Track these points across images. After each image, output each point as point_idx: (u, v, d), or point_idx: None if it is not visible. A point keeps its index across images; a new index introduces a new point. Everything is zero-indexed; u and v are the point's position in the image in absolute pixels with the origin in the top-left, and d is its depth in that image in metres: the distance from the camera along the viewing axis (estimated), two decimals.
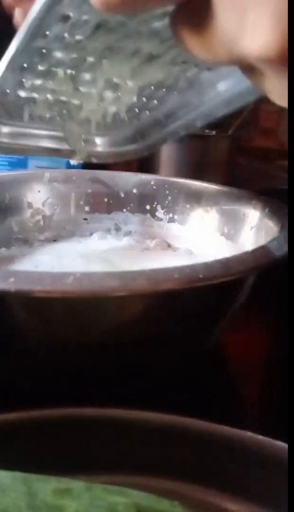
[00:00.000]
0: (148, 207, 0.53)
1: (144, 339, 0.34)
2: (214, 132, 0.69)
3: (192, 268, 0.32)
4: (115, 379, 0.35)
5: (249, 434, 0.26)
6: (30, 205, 0.53)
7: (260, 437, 0.25)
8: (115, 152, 0.45)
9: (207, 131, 0.69)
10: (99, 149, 0.45)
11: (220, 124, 0.67)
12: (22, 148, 0.43)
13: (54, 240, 0.52)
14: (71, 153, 0.44)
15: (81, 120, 0.41)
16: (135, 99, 0.40)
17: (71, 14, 0.29)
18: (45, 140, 0.43)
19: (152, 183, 0.53)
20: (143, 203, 0.54)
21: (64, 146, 0.43)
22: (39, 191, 0.53)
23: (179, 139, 0.65)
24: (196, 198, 0.51)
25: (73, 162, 0.45)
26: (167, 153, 0.69)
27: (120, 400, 0.26)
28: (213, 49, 0.21)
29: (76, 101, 0.39)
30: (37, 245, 0.51)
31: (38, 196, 0.53)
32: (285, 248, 0.35)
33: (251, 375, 0.42)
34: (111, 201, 0.54)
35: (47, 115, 0.40)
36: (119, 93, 0.38)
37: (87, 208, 0.54)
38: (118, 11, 0.21)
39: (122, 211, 0.54)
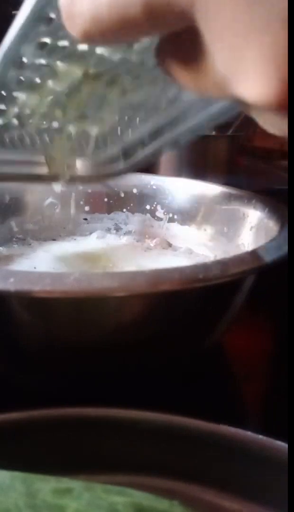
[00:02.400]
0: (148, 207, 0.53)
1: (144, 339, 0.34)
2: (214, 132, 0.69)
3: (192, 268, 0.32)
4: (115, 379, 0.35)
5: (249, 434, 0.26)
6: (30, 205, 0.53)
7: (260, 437, 0.25)
8: (98, 174, 0.44)
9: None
10: (82, 172, 0.44)
11: (220, 124, 0.68)
12: (2, 176, 0.42)
13: (54, 240, 0.52)
14: (53, 178, 0.43)
15: (62, 144, 0.40)
16: (116, 118, 0.38)
17: (47, 41, 0.28)
18: (27, 166, 0.42)
19: (152, 183, 0.54)
20: (143, 203, 0.54)
21: (44, 172, 0.42)
22: (39, 191, 0.53)
23: None
24: (196, 198, 0.51)
25: (55, 188, 0.44)
26: (167, 153, 0.69)
27: (120, 400, 0.26)
28: (204, 84, 0.20)
29: (55, 125, 0.38)
30: (37, 245, 0.51)
31: (38, 196, 0.53)
32: (285, 248, 0.35)
33: (251, 375, 0.42)
34: (111, 201, 0.54)
35: (28, 140, 0.39)
36: (100, 116, 0.37)
37: (87, 208, 0.54)
38: (97, 41, 0.20)
39: (122, 211, 0.54)
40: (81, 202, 0.54)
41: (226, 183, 0.52)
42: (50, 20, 0.25)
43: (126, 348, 0.33)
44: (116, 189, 0.54)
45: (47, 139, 0.39)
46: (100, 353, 0.33)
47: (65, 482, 0.22)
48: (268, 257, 0.34)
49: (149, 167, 0.67)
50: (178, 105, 0.38)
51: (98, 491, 0.22)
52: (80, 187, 0.53)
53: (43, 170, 0.42)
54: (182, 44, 0.19)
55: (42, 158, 0.41)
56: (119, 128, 0.40)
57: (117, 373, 0.35)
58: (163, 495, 0.23)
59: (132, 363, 0.35)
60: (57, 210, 0.53)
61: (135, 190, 0.54)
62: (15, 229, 0.52)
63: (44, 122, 0.37)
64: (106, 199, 0.54)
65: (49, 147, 0.40)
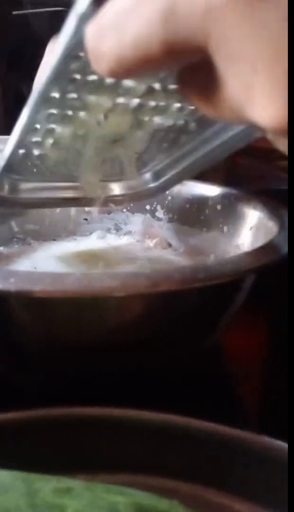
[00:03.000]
0: (148, 207, 0.53)
1: (144, 339, 0.34)
2: None
3: (192, 268, 0.32)
4: (115, 379, 0.35)
5: (249, 434, 0.26)
6: None
7: (260, 437, 0.26)
8: (131, 195, 0.46)
9: None
10: (116, 193, 0.46)
11: None
12: (41, 201, 0.43)
13: (54, 240, 0.52)
14: (89, 201, 0.44)
15: (96, 166, 0.41)
16: (146, 143, 0.40)
17: (77, 76, 0.30)
18: (63, 191, 0.43)
19: None
20: (143, 203, 0.54)
21: (81, 195, 0.44)
22: None
23: None
24: (196, 198, 0.51)
25: (93, 210, 0.47)
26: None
27: (120, 400, 0.26)
28: (221, 110, 0.21)
29: (89, 153, 0.39)
30: (37, 245, 0.51)
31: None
32: (284, 248, 0.35)
33: (251, 375, 0.42)
34: None
35: (62, 166, 0.40)
36: (131, 141, 0.39)
37: (87, 208, 0.54)
38: (122, 77, 0.22)
39: (122, 211, 0.54)
40: None
41: (226, 183, 0.52)
42: (79, 57, 0.27)
43: (126, 348, 0.33)
44: None
45: (81, 164, 0.40)
46: (100, 353, 0.33)
47: (65, 482, 0.22)
48: (268, 257, 0.34)
49: None
50: (205, 128, 0.40)
51: (98, 490, 0.22)
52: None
53: (79, 193, 0.44)
54: (199, 74, 0.20)
55: (77, 183, 0.43)
56: (150, 151, 0.42)
57: (117, 373, 0.35)
58: (163, 495, 0.23)
59: (132, 363, 0.35)
60: (57, 210, 0.53)
61: None
62: (15, 229, 0.52)
63: (78, 149, 0.38)
64: None
65: (84, 172, 0.41)
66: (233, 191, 0.49)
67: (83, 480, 0.23)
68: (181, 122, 0.38)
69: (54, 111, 0.33)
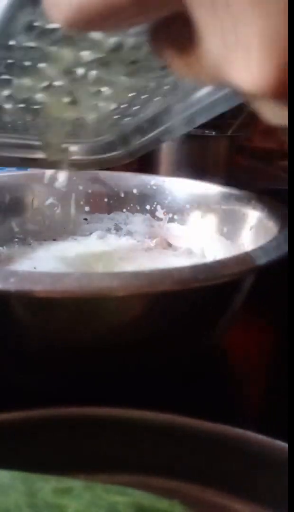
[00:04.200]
0: (148, 207, 0.53)
1: (144, 339, 0.34)
2: (214, 132, 0.69)
3: (192, 268, 0.32)
4: (115, 379, 0.35)
5: (249, 434, 0.26)
6: (30, 205, 0.53)
7: (260, 437, 0.26)
8: (95, 160, 0.44)
9: (207, 131, 0.69)
10: (79, 157, 0.43)
11: (220, 124, 0.68)
12: None
13: (54, 240, 0.53)
14: (50, 163, 0.42)
15: (59, 128, 0.39)
16: (114, 106, 0.37)
17: (36, 24, 0.27)
18: (20, 150, 0.41)
19: (152, 183, 0.54)
20: (143, 203, 0.54)
21: (40, 156, 0.41)
22: (39, 191, 0.53)
23: (179, 139, 0.65)
24: (196, 198, 0.51)
25: (60, 176, 0.43)
26: (167, 153, 0.69)
27: (120, 400, 0.26)
28: (198, 70, 0.19)
29: (50, 109, 0.36)
30: (37, 245, 0.51)
31: (38, 196, 0.53)
32: (284, 248, 0.35)
33: (251, 375, 0.42)
34: (111, 201, 0.54)
35: (20, 123, 0.37)
36: (97, 101, 0.36)
37: (87, 208, 0.54)
38: (83, 28, 0.18)
39: (122, 211, 0.54)
40: (81, 202, 0.54)
41: (226, 183, 0.52)
42: (37, 2, 0.23)
43: (126, 348, 0.33)
44: (116, 189, 0.54)
45: (42, 123, 0.38)
46: (100, 353, 0.33)
47: (65, 482, 0.22)
48: (267, 257, 0.34)
49: (149, 167, 0.67)
50: (178, 92, 0.37)
51: (98, 490, 0.22)
52: (80, 187, 0.53)
53: (40, 154, 0.41)
54: (174, 29, 0.18)
55: (38, 143, 0.40)
56: (117, 114, 0.39)
57: (117, 373, 0.35)
58: (163, 495, 0.23)
59: (132, 363, 0.35)
60: (58, 210, 0.53)
61: (135, 190, 0.54)
62: (16, 229, 0.52)
63: (37, 107, 0.35)
64: (106, 199, 0.54)
65: (44, 132, 0.39)
66: (233, 191, 0.49)
67: (83, 480, 0.23)
68: (151, 84, 0.36)
69: (10, 60, 0.30)
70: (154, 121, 0.41)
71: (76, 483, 0.22)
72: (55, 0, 0.17)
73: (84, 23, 0.17)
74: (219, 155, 0.71)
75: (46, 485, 0.22)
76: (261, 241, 0.38)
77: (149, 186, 0.53)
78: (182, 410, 0.26)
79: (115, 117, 0.40)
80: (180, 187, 0.53)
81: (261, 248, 0.35)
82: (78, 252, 0.49)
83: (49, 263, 0.46)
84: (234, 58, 0.16)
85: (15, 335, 0.33)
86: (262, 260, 0.34)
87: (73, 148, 0.43)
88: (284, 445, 0.25)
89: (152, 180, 0.54)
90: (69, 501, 0.21)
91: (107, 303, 0.32)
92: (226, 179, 0.66)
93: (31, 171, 0.55)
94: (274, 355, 0.45)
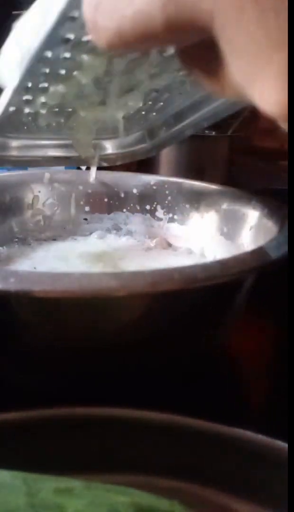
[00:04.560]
0: (148, 207, 0.53)
1: (144, 339, 0.34)
2: (214, 132, 0.69)
3: (192, 268, 0.32)
4: (115, 379, 0.35)
5: (249, 434, 0.26)
6: (30, 205, 0.53)
7: (260, 437, 0.26)
8: (124, 154, 0.46)
9: (207, 131, 0.69)
10: (108, 152, 0.46)
11: (220, 124, 0.67)
12: (32, 159, 0.43)
13: (54, 240, 0.53)
14: (81, 160, 0.44)
15: (89, 126, 0.41)
16: (141, 104, 0.40)
17: (71, 37, 0.29)
18: (54, 149, 0.43)
19: (152, 183, 0.54)
20: (143, 203, 0.54)
21: (73, 154, 0.43)
22: (39, 191, 0.53)
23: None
24: (196, 198, 0.51)
25: (91, 173, 0.46)
26: (167, 153, 0.69)
27: (120, 400, 0.26)
28: (223, 87, 0.20)
29: (82, 110, 0.39)
30: (37, 245, 0.51)
31: (38, 196, 0.53)
32: (284, 248, 0.35)
33: (251, 375, 0.42)
34: (111, 201, 0.54)
35: (54, 125, 0.40)
36: (124, 101, 0.39)
37: (87, 208, 0.54)
38: (121, 50, 0.21)
39: (122, 211, 0.54)
40: (81, 202, 0.54)
41: (226, 183, 0.52)
42: (74, 18, 0.26)
43: (126, 348, 0.33)
44: (116, 189, 0.54)
45: (73, 123, 0.40)
46: (100, 353, 0.33)
47: (66, 482, 0.22)
48: (268, 257, 0.34)
49: (149, 167, 0.67)
50: (202, 88, 0.39)
51: (98, 490, 0.22)
52: (80, 187, 0.54)
53: (71, 152, 0.44)
54: (202, 51, 0.20)
55: (68, 141, 0.43)
56: (144, 110, 0.42)
57: (117, 373, 0.35)
58: (163, 495, 0.23)
59: (132, 363, 0.35)
60: (58, 210, 0.53)
61: (135, 190, 0.54)
62: (16, 229, 0.52)
63: (70, 109, 0.38)
64: (106, 199, 0.54)
65: (76, 131, 0.41)
66: (233, 191, 0.49)
67: (83, 480, 0.23)
68: (176, 82, 0.38)
69: (46, 70, 0.33)
70: (179, 116, 0.43)
71: (76, 483, 0.22)
72: (96, 25, 0.20)
73: (122, 46, 0.20)
74: (219, 155, 0.71)
75: (46, 485, 0.22)
76: (261, 241, 0.38)
77: (149, 186, 0.53)
78: (182, 410, 0.26)
79: (142, 113, 0.42)
80: (180, 187, 0.53)
81: (261, 248, 0.35)
82: (78, 252, 0.49)
83: (49, 263, 0.46)
84: (257, 84, 0.18)
85: (15, 335, 0.33)
86: (262, 260, 0.34)
87: (104, 143, 0.45)
88: (284, 445, 0.25)
89: (152, 180, 0.54)
90: (69, 501, 0.21)
91: (107, 303, 0.32)
92: (226, 179, 0.66)
93: (31, 171, 0.55)
94: (274, 355, 0.45)
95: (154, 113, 0.43)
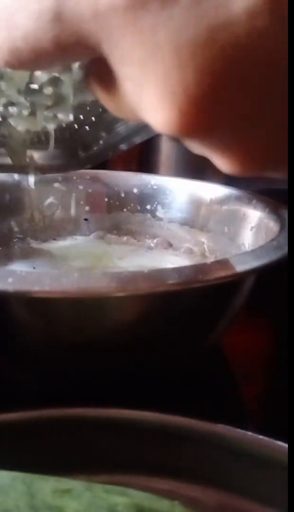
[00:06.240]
0: (148, 207, 0.53)
1: (143, 339, 0.34)
2: None
3: (192, 268, 0.32)
4: (115, 379, 0.35)
5: (249, 434, 0.26)
6: (30, 205, 0.53)
7: (260, 437, 0.25)
8: (57, 165, 0.45)
9: None
10: (43, 162, 0.45)
11: None
12: None
13: (54, 240, 0.52)
14: (16, 168, 0.44)
15: (21, 135, 0.41)
16: (71, 117, 0.39)
17: None
18: None
19: (152, 183, 0.53)
20: (144, 203, 0.54)
21: (7, 161, 0.43)
22: (39, 191, 0.53)
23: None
24: (196, 198, 0.51)
25: (29, 179, 0.45)
26: (167, 153, 0.69)
27: (120, 400, 0.26)
28: (121, 107, 0.21)
29: (12, 119, 0.39)
30: (37, 245, 0.51)
31: (38, 196, 0.53)
32: (285, 248, 0.35)
33: (251, 375, 0.42)
34: (111, 201, 0.54)
35: None
36: (53, 114, 0.38)
37: (87, 208, 0.54)
38: (20, 68, 0.21)
39: (122, 211, 0.54)
40: (81, 202, 0.54)
41: (226, 183, 0.52)
42: None
43: (126, 348, 0.33)
44: (116, 189, 0.54)
45: (6, 132, 0.40)
46: (100, 353, 0.33)
47: (65, 482, 0.22)
48: (268, 257, 0.34)
49: (149, 167, 0.67)
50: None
51: (98, 491, 0.22)
52: (80, 187, 0.53)
53: (5, 160, 0.43)
54: (103, 67, 0.20)
55: (4, 150, 0.42)
56: (76, 124, 0.42)
57: (117, 373, 0.35)
58: (164, 496, 0.23)
59: (132, 363, 0.35)
60: (58, 210, 0.53)
61: (135, 190, 0.54)
62: (15, 229, 0.52)
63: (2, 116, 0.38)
64: (106, 199, 0.54)
65: (9, 140, 0.41)
66: (234, 191, 0.49)
67: (83, 480, 0.23)
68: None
69: None
70: (111, 131, 0.43)
71: (76, 484, 0.22)
72: None
73: (19, 65, 0.20)
74: None
75: (46, 485, 0.22)
76: (262, 241, 0.38)
77: (149, 186, 0.53)
78: (182, 410, 0.26)
79: (74, 126, 0.42)
80: (180, 187, 0.53)
81: (261, 248, 0.35)
82: (78, 252, 0.49)
83: (49, 263, 0.46)
84: (143, 104, 0.18)
85: (14, 336, 0.33)
86: (262, 260, 0.34)
87: (37, 154, 0.45)
88: (284, 445, 0.25)
89: (152, 180, 0.54)
90: (69, 502, 0.21)
91: (106, 303, 0.32)
92: (226, 179, 0.66)
93: None
94: (274, 355, 0.45)
95: (87, 127, 0.43)
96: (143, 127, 0.41)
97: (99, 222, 0.54)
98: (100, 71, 0.20)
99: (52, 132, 0.41)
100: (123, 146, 0.43)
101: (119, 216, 0.54)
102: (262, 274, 0.35)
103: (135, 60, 0.18)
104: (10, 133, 0.40)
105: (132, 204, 0.54)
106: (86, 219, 0.54)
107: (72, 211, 0.54)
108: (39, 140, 0.42)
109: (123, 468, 0.26)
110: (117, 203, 0.54)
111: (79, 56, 0.20)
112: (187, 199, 0.52)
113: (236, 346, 0.44)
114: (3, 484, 0.22)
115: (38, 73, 0.32)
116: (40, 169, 0.45)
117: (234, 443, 0.26)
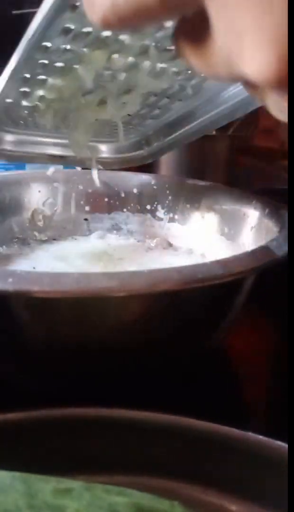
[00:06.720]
0: (148, 207, 0.53)
1: (144, 339, 0.34)
2: (214, 132, 0.69)
3: (192, 268, 0.32)
4: (115, 379, 0.35)
5: (249, 434, 0.26)
6: (30, 205, 0.53)
7: (260, 437, 0.25)
8: (120, 159, 0.46)
9: None
10: (104, 155, 0.45)
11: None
12: (26, 155, 0.43)
13: (54, 240, 0.52)
14: (76, 161, 0.44)
15: (87, 126, 0.41)
16: (138, 107, 0.40)
17: (72, 27, 0.29)
18: (50, 147, 0.43)
19: (152, 183, 0.53)
20: (144, 203, 0.54)
21: (69, 153, 0.43)
22: (39, 191, 0.53)
23: None
24: (196, 198, 0.51)
25: (93, 174, 0.45)
26: (167, 153, 0.69)
27: (120, 400, 0.26)
28: (214, 65, 0.21)
29: (80, 109, 0.39)
30: (37, 245, 0.51)
31: (38, 196, 0.53)
32: (285, 248, 0.35)
33: (251, 375, 0.42)
34: (111, 201, 0.54)
35: (52, 122, 0.40)
36: (122, 102, 0.38)
37: (87, 208, 0.54)
38: (116, 27, 0.21)
39: (123, 211, 0.54)
40: (82, 202, 0.54)
41: (226, 183, 0.52)
42: (75, 7, 0.26)
43: (126, 348, 0.33)
44: (116, 189, 0.54)
45: (71, 122, 0.40)
46: (100, 353, 0.33)
47: (65, 482, 0.22)
48: (268, 257, 0.34)
49: (149, 167, 0.67)
50: (200, 96, 0.39)
51: (98, 491, 0.22)
52: (80, 187, 0.54)
53: (67, 152, 0.43)
54: (193, 29, 0.21)
55: (65, 140, 0.42)
56: (142, 116, 0.42)
57: (117, 373, 0.35)
58: (164, 496, 0.23)
59: (132, 363, 0.35)
60: (58, 210, 0.53)
61: (135, 190, 0.54)
62: (15, 229, 0.52)
63: (68, 107, 0.38)
64: (106, 199, 0.54)
65: (73, 130, 0.41)
66: (233, 191, 0.49)
67: (83, 480, 0.23)
68: (176, 87, 0.38)
69: (45, 61, 0.32)
70: (176, 124, 0.43)
71: (76, 484, 0.22)
72: (90, 2, 0.20)
73: (116, 21, 0.20)
74: (219, 155, 0.71)
75: (46, 485, 0.22)
76: (262, 241, 0.38)
77: (149, 186, 0.53)
78: (182, 410, 0.26)
79: (140, 119, 0.42)
80: (180, 187, 0.53)
81: (261, 248, 0.35)
82: (78, 252, 0.49)
83: (49, 263, 0.46)
84: (243, 52, 0.19)
85: (14, 335, 0.33)
86: (262, 260, 0.34)
87: (101, 146, 0.45)
88: (284, 445, 0.25)
89: (152, 180, 0.54)
90: (69, 502, 0.21)
91: (106, 303, 0.32)
92: (226, 179, 0.66)
93: (31, 170, 0.55)
94: (274, 355, 0.45)
95: (152, 120, 0.43)
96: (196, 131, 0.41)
97: (99, 222, 0.54)
98: (192, 28, 0.21)
99: (120, 124, 0.41)
100: (185, 141, 0.44)
101: (119, 216, 0.54)
102: (262, 274, 0.35)
103: (239, 7, 0.18)
104: (75, 122, 0.40)
105: (132, 204, 0.54)
106: (86, 219, 0.54)
107: (72, 211, 0.54)
108: (104, 132, 0.43)
109: (123, 468, 0.26)
110: (117, 203, 0.54)
111: (179, 8, 0.20)
112: (187, 199, 0.52)
113: (236, 346, 0.44)
114: (3, 484, 0.22)
115: (115, 56, 0.32)
116: (102, 163, 0.45)
117: (234, 443, 0.26)
